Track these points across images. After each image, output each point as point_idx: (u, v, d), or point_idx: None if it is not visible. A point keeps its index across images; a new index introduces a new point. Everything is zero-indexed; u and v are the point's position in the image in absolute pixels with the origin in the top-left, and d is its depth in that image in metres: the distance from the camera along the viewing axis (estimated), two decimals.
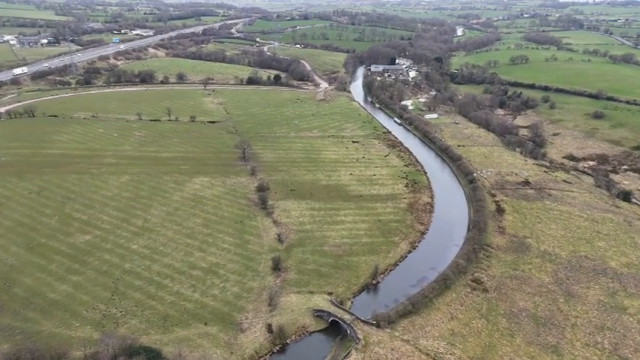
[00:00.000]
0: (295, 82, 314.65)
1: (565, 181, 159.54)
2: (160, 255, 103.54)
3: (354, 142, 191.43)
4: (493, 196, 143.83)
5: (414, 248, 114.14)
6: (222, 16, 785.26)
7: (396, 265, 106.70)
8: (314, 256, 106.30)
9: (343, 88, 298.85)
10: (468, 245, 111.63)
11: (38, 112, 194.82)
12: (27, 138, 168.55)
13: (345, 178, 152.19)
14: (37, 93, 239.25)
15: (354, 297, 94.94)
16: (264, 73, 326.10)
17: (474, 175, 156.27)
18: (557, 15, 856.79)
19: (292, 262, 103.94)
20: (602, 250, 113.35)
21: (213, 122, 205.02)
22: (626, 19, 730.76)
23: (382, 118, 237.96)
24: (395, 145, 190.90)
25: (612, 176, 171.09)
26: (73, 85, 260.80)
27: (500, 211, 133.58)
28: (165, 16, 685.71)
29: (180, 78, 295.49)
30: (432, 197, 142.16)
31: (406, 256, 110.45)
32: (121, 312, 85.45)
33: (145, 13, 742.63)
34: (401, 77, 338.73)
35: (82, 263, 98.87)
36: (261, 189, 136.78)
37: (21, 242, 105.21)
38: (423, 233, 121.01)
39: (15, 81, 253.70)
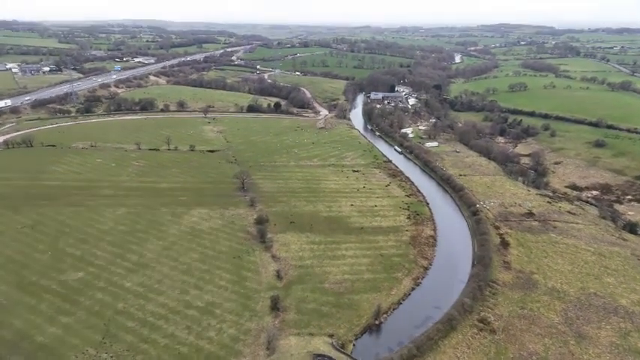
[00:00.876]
0: (295, 110, 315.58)
1: (569, 212, 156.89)
2: (155, 293, 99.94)
3: (355, 171, 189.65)
4: (497, 228, 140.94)
5: (418, 285, 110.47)
6: (224, 43, 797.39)
7: (399, 303, 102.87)
8: (314, 294, 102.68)
9: (343, 115, 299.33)
10: (473, 282, 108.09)
11: (36, 142, 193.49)
12: (24, 169, 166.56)
13: (346, 209, 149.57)
14: (36, 122, 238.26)
15: (356, 339, 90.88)
16: (265, 101, 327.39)
17: (477, 206, 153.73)
18: (554, 42, 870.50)
19: (291, 300, 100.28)
20: (612, 287, 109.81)
21: (212, 151, 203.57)
22: (622, 47, 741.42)
23: (382, 147, 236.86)
24: (396, 174, 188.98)
25: (616, 206, 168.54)
26: (73, 114, 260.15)
27: (504, 244, 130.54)
28: (167, 44, 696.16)
29: (181, 106, 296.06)
30: (434, 230, 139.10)
31: (410, 294, 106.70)
32: (111, 357, 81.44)
33: (147, 41, 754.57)
34: (400, 105, 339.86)
35: (73, 303, 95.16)
36: (260, 221, 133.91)
37: (12, 280, 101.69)
38: (426, 269, 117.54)
39: (15, 110, 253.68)
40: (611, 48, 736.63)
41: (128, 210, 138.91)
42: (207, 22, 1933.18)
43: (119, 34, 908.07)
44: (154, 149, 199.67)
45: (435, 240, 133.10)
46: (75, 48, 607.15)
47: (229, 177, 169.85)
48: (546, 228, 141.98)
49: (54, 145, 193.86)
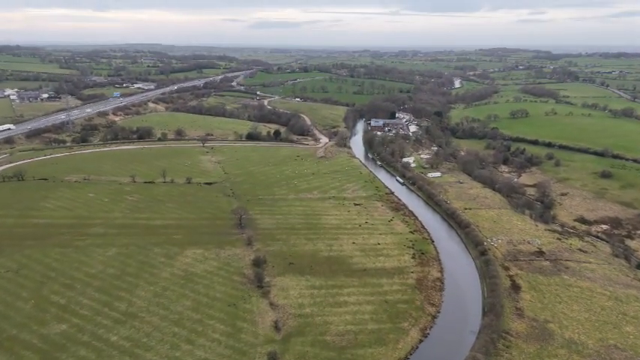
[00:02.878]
0: (295, 137, 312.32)
1: (580, 249, 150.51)
2: (143, 349, 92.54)
3: (356, 204, 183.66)
4: (506, 269, 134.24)
5: (426, 336, 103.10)
6: (224, 68, 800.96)
7: (406, 358, 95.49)
8: (314, 349, 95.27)
9: (344, 143, 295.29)
10: (485, 334, 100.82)
11: (28, 175, 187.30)
12: (13, 205, 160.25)
13: (348, 247, 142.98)
14: (30, 153, 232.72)
15: None
16: (264, 128, 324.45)
17: (485, 244, 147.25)
18: (552, 67, 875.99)
19: (290, 356, 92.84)
20: (632, 338, 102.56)
21: (210, 184, 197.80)
22: (620, 71, 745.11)
23: (384, 177, 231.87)
24: (399, 207, 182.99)
25: (628, 242, 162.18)
26: (68, 144, 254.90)
27: (515, 287, 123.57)
28: (168, 69, 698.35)
29: (179, 134, 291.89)
30: (441, 271, 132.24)
31: (417, 347, 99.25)
32: None
33: (148, 66, 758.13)
34: (401, 132, 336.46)
35: None
36: (258, 263, 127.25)
37: None
38: (434, 317, 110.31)
39: (9, 139, 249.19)
40: (610, 73, 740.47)
41: (119, 250, 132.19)
42: (209, 46, 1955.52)
43: (120, 59, 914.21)
44: (150, 182, 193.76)
45: (442, 283, 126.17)
46: (75, 74, 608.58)
47: (226, 212, 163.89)
48: (558, 269, 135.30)
49: (46, 179, 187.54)
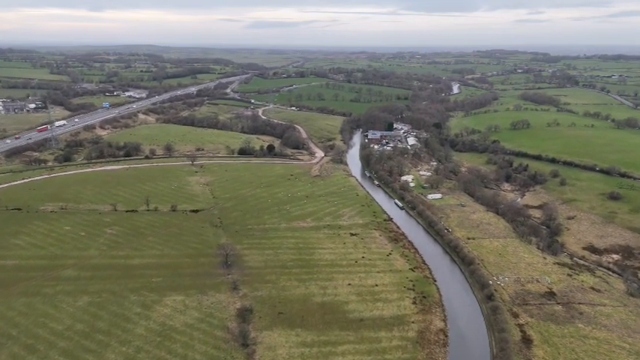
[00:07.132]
0: (290, 151, 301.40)
1: (593, 288, 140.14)
2: None
3: (353, 234, 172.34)
4: (516, 316, 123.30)
5: None
6: (219, 73, 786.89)
7: None
8: None
9: (340, 159, 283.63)
10: None
11: (1, 205, 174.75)
12: None
13: (343, 290, 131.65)
14: (8, 175, 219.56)
15: None
16: (258, 141, 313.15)
17: (491, 285, 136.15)
18: (551, 70, 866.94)
19: None
20: None
21: (196, 211, 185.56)
22: (620, 76, 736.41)
23: (382, 199, 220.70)
24: (398, 238, 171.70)
25: None
26: (50, 164, 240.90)
27: (527, 341, 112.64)
28: (161, 75, 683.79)
29: (168, 150, 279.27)
30: (444, 320, 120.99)
31: None
32: None
33: (141, 71, 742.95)
34: (399, 145, 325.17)
35: None
36: (243, 316, 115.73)
37: None
38: None
39: None
40: (610, 77, 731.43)
41: (91, 299, 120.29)
42: (205, 47, 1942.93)
43: (113, 63, 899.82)
44: (132, 210, 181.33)
45: (447, 336, 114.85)
46: (66, 80, 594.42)
47: (212, 247, 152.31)
48: (571, 315, 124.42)
49: (20, 209, 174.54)
